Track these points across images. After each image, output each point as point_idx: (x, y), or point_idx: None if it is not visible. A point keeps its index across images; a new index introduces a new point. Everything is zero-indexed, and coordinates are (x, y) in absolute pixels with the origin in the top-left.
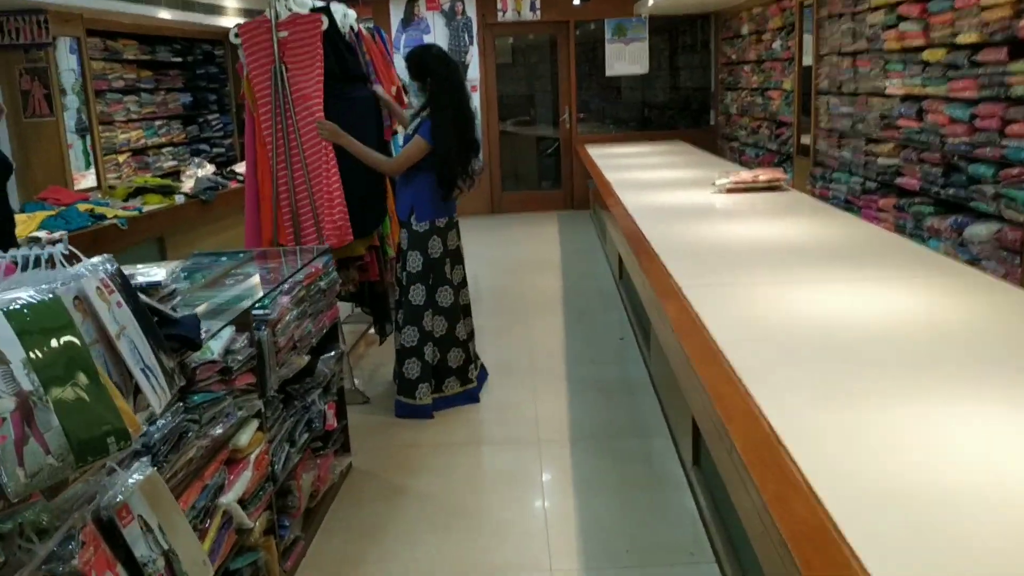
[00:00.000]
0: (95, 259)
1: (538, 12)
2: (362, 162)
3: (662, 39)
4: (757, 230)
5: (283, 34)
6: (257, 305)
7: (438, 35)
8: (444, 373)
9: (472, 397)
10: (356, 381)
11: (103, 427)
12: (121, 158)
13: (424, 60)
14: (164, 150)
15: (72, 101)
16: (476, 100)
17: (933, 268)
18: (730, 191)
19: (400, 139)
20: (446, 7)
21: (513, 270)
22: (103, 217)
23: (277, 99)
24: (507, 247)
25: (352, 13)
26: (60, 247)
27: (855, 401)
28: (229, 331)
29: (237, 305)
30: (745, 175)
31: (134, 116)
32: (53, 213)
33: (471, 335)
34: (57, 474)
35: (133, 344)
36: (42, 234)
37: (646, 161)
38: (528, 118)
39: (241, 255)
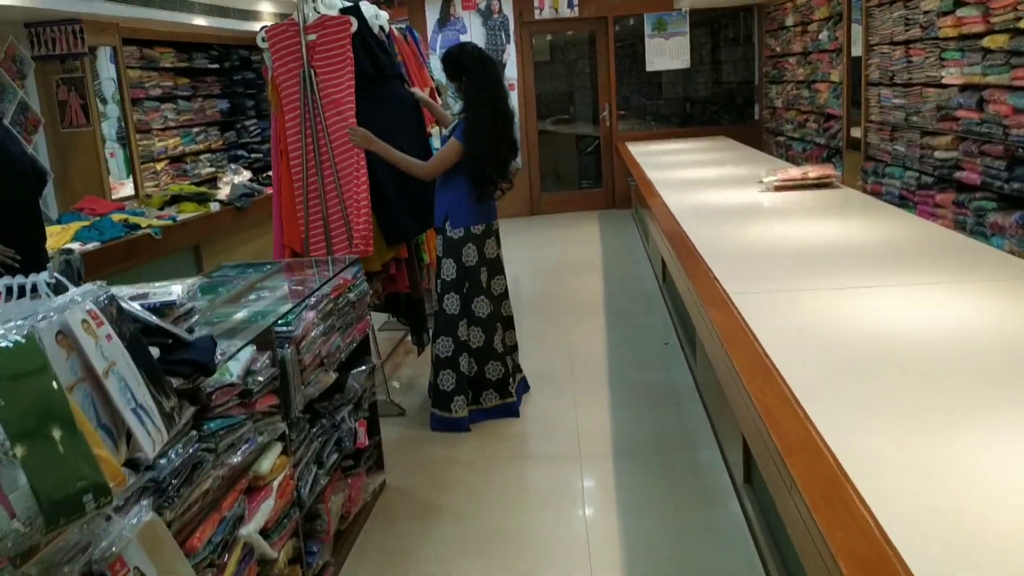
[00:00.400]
0: (86, 287)
1: (576, 8)
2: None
3: (703, 33)
4: (808, 231)
5: (311, 37)
6: (280, 322)
7: (474, 34)
8: (481, 385)
9: (511, 411)
10: (394, 384)
11: (79, 483)
12: (159, 166)
13: (460, 59)
14: (202, 157)
15: (113, 110)
16: (514, 99)
17: (999, 268)
18: (778, 189)
19: (437, 141)
20: (482, 6)
21: (553, 272)
22: (137, 227)
23: (306, 104)
24: (547, 248)
25: (383, 14)
26: (45, 275)
27: (926, 425)
28: (249, 351)
29: (259, 322)
30: (793, 172)
31: (171, 124)
32: (87, 224)
33: (513, 348)
34: (24, 541)
35: (124, 382)
36: (75, 246)
37: (689, 158)
38: (567, 116)
39: (268, 267)
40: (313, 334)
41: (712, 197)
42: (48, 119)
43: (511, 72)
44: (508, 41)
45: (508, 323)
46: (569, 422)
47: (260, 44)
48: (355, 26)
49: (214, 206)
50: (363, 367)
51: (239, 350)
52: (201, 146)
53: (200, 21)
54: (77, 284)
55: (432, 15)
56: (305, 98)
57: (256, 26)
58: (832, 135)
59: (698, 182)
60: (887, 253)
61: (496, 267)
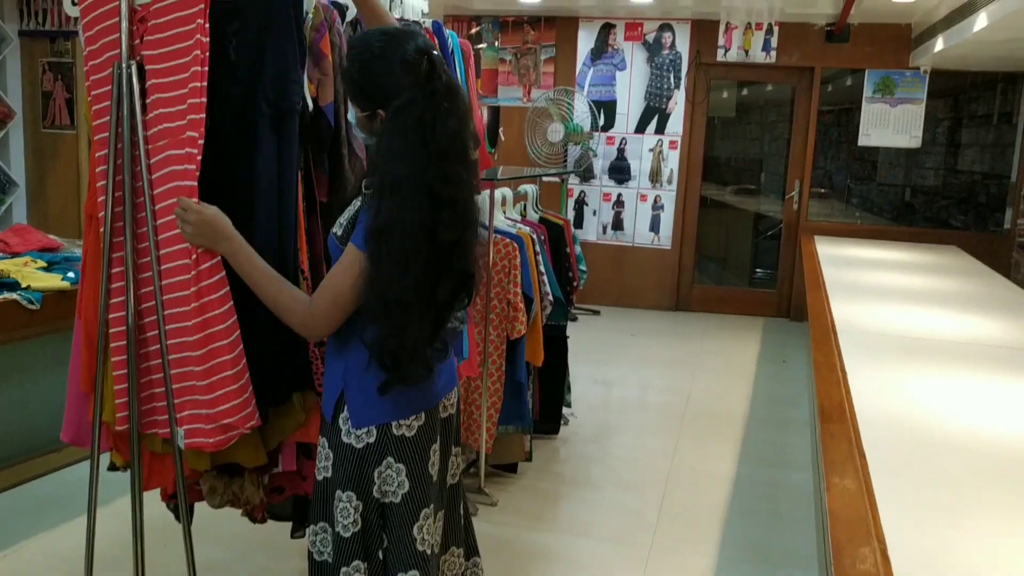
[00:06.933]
0: None
1: (772, 53)
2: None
3: (943, 104)
4: None
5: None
6: None
7: (635, 72)
8: None
9: None
10: None
11: None
12: None
13: (371, 68)
14: None
15: None
16: (675, 159)
17: None
18: None
19: None
20: (650, 37)
21: (663, 420)
22: (14, 286)
23: (120, 135)
24: (671, 371)
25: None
26: None
27: None
28: None
29: None
30: None
31: None
32: None
33: None
34: None
35: None
36: None
37: (903, 282)
38: (754, 187)
39: None
40: None
41: (938, 387)
42: (29, 115)
43: (675, 126)
44: (677, 86)
45: None
46: None
47: (68, 10)
48: None
49: None
50: None
51: None
52: None
53: None
54: None
55: (586, 43)
56: (119, 123)
57: None
58: None
59: (916, 342)
60: None
61: (454, 494)
